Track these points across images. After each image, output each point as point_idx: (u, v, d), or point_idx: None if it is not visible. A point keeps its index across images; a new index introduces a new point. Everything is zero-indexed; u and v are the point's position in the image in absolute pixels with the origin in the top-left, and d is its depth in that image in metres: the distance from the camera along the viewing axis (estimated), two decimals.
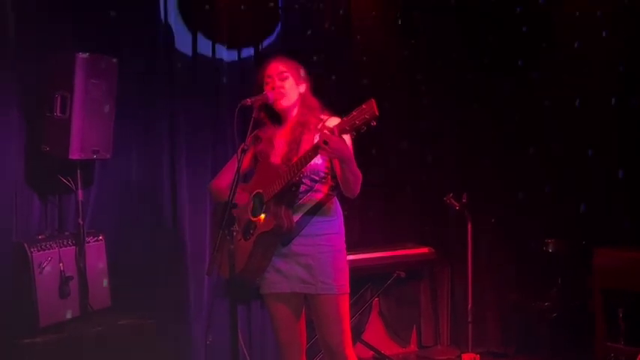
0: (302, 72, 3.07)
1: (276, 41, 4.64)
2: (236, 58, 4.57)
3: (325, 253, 2.91)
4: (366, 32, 5.02)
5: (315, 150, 2.70)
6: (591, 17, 4.51)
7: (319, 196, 2.94)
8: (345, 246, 3.01)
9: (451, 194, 4.23)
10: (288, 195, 2.86)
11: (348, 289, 2.97)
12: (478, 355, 4.21)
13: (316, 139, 2.74)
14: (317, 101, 3.03)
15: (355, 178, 2.83)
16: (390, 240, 5.07)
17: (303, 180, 2.89)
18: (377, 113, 2.50)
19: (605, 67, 4.47)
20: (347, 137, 2.80)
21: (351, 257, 4.51)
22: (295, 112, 3.01)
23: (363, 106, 2.53)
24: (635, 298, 3.68)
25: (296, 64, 3.07)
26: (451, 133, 5.16)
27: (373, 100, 2.52)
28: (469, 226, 4.16)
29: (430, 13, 5.08)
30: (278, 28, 4.67)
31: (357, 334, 5.00)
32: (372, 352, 4.97)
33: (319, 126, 2.85)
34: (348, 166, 2.77)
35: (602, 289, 3.88)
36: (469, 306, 4.19)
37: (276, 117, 3.06)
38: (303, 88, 3.03)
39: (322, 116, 2.94)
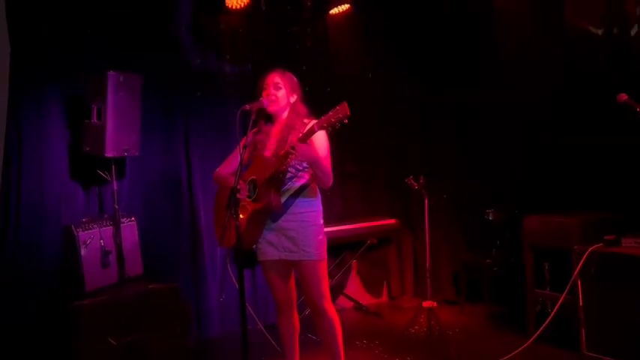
0: (295, 84, 3.02)
1: (268, 57, 4.61)
2: (237, 71, 4.55)
3: (307, 228, 2.90)
4: (342, 48, 4.97)
5: (286, 155, 2.71)
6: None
7: (302, 181, 2.93)
8: (322, 222, 2.99)
9: (411, 176, 4.24)
10: (276, 181, 2.85)
11: (325, 256, 2.95)
12: (435, 303, 4.24)
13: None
14: (305, 109, 2.99)
15: (324, 175, 2.81)
16: (364, 214, 5.10)
17: (290, 169, 2.88)
18: (349, 113, 2.52)
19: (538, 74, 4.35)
20: (323, 134, 2.81)
21: (333, 228, 4.57)
22: (285, 115, 2.99)
23: (338, 107, 2.55)
24: (558, 254, 3.72)
25: (291, 77, 3.02)
26: (412, 127, 5.17)
27: (345, 103, 2.53)
28: (426, 201, 4.18)
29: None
30: (270, 47, 4.65)
31: (340, 289, 5.04)
32: (352, 303, 5.01)
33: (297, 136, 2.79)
34: (317, 166, 2.77)
35: (531, 247, 3.91)
36: (427, 264, 4.22)
37: (270, 118, 3.05)
38: (294, 98, 3.00)
39: (306, 120, 2.91)
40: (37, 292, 3.42)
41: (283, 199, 2.89)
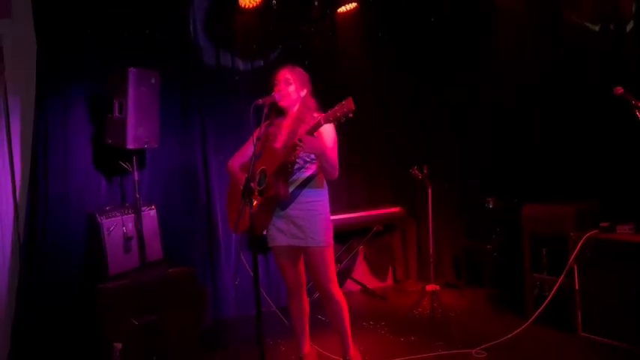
0: (305, 79, 3.02)
1: (279, 54, 4.62)
2: (249, 68, 4.56)
3: (313, 216, 2.91)
4: (349, 45, 4.96)
5: (294, 147, 2.72)
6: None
7: (309, 172, 2.94)
8: (328, 210, 3.00)
9: (415, 167, 4.24)
10: (285, 171, 2.86)
11: (331, 243, 2.96)
12: (438, 286, 4.26)
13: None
14: (315, 102, 2.99)
15: (330, 167, 2.80)
16: (371, 202, 5.11)
17: (298, 160, 2.89)
18: (353, 107, 2.51)
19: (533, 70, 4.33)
20: (331, 127, 2.80)
21: (342, 216, 4.59)
22: (296, 109, 3.00)
23: (343, 102, 2.55)
24: (554, 240, 3.71)
25: (301, 72, 3.02)
26: (415, 121, 5.16)
27: (350, 98, 2.53)
28: (429, 190, 4.18)
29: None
30: (281, 45, 4.65)
31: (348, 273, 5.06)
32: (359, 286, 5.04)
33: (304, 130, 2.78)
34: (323, 158, 2.77)
35: (529, 234, 3.91)
36: (430, 250, 4.23)
37: (281, 112, 3.06)
38: (304, 92, 3.00)
39: (315, 114, 2.91)
40: (64, 276, 3.47)
41: (291, 189, 2.90)
